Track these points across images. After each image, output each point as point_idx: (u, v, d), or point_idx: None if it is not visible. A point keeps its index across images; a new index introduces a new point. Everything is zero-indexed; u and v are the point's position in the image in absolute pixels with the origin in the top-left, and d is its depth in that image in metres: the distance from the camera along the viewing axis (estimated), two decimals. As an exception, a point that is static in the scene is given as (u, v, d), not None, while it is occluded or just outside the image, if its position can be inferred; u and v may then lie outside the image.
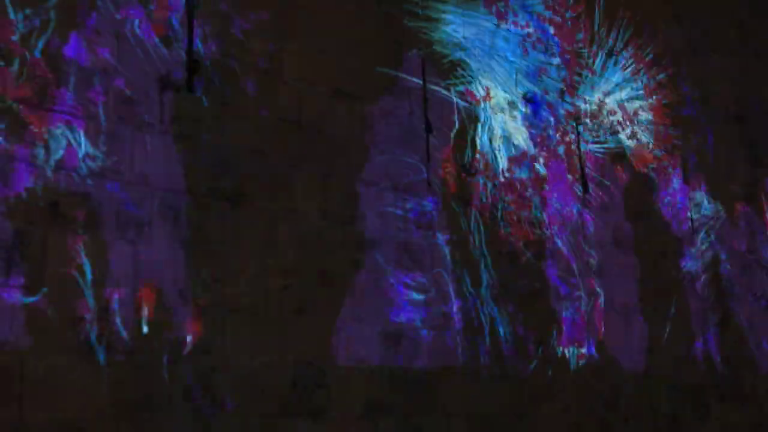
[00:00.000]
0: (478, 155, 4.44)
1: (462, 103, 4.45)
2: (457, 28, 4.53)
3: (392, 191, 3.98)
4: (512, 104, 4.73)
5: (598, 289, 4.95)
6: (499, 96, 4.67)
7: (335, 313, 3.61)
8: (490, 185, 4.45)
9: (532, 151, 4.75)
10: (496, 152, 4.55)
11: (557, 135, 4.93)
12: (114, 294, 2.93)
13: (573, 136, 5.04)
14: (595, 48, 5.38)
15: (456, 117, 4.41)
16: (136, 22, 3.17)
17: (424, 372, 3.87)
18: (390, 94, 4.11)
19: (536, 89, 4.87)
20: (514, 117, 4.73)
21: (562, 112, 5.01)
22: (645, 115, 5.65)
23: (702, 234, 5.86)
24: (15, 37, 2.82)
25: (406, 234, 3.98)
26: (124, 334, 2.93)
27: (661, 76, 5.87)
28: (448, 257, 4.14)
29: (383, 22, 4.18)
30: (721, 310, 5.79)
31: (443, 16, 4.48)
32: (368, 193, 3.87)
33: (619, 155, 5.38)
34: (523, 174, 4.66)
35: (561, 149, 4.95)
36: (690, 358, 5.44)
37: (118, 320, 2.92)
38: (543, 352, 4.46)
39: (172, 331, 3.07)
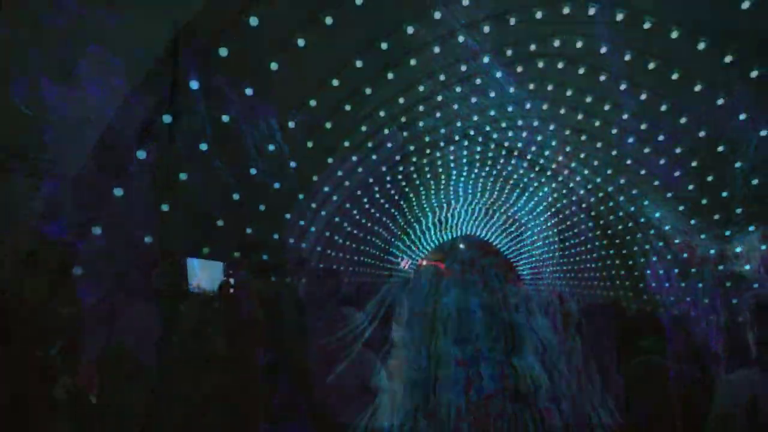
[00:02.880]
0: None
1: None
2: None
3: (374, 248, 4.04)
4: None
5: (574, 346, 4.93)
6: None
7: (316, 370, 3.59)
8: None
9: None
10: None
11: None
12: (90, 341, 2.93)
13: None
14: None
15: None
16: (119, 71, 3.29)
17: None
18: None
19: None
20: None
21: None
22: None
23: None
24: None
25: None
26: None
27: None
28: (425, 316, 4.14)
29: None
30: (698, 366, 5.78)
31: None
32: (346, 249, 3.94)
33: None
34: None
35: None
36: (667, 416, 5.37)
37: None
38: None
39: (147, 382, 3.04)
